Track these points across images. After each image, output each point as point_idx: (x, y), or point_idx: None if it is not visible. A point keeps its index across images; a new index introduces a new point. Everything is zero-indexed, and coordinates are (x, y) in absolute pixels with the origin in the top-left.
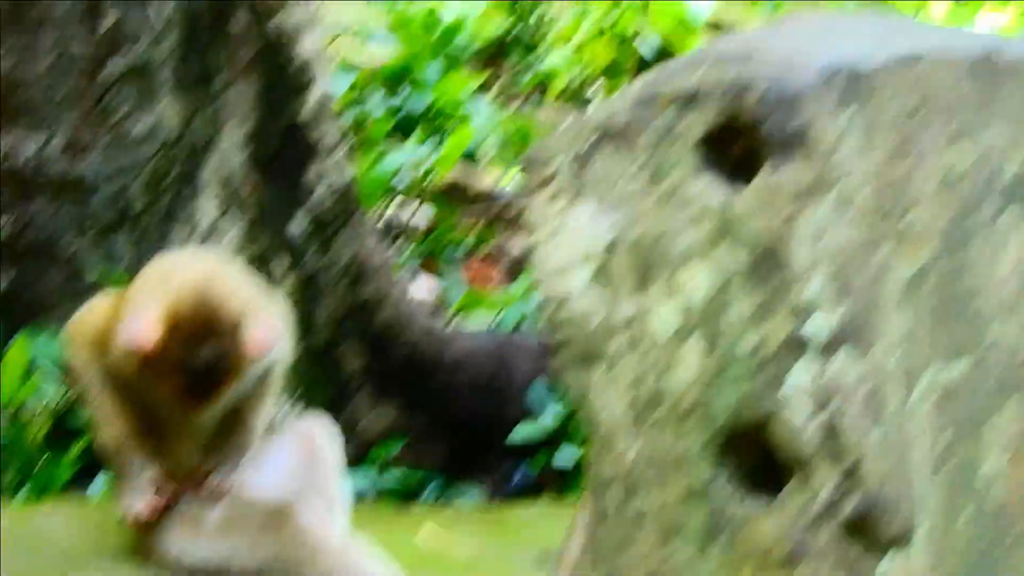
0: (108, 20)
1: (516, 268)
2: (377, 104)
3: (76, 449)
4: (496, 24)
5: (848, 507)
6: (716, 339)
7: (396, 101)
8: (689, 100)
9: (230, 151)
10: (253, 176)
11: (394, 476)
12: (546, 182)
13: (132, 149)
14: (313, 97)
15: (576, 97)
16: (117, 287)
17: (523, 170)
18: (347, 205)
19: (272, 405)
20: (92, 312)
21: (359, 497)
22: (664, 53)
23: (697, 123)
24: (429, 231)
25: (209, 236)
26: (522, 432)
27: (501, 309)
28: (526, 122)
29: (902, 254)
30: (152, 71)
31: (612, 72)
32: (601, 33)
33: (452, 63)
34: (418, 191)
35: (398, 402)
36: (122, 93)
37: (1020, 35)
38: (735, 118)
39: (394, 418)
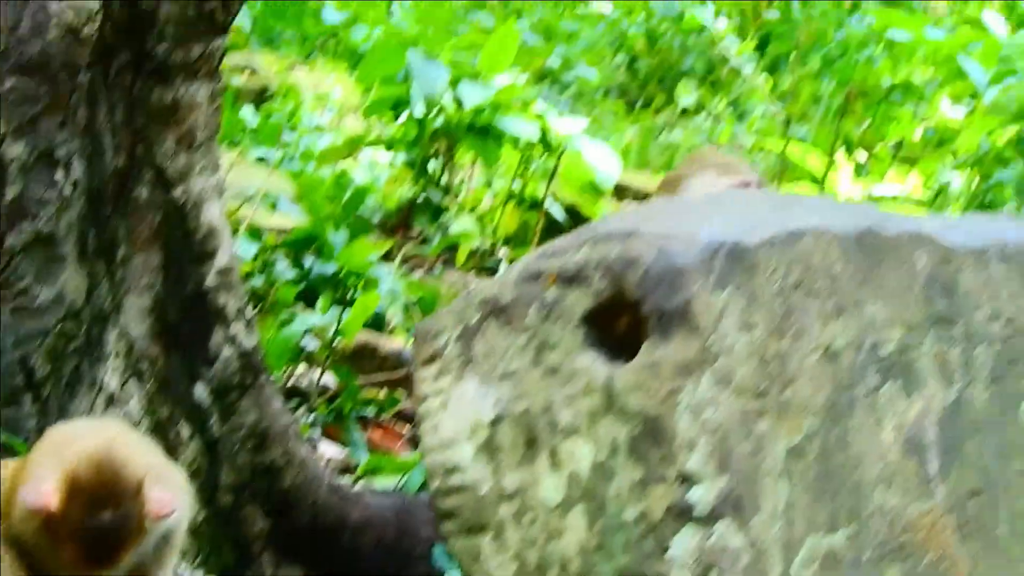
0: (13, 190)
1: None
2: (284, 270)
3: None
4: (403, 190)
5: None
6: (601, 509)
7: (304, 266)
8: (573, 278)
9: (133, 319)
10: (157, 344)
11: None
12: (434, 356)
13: (35, 318)
14: (218, 264)
15: (483, 263)
16: (20, 455)
17: (412, 344)
18: (251, 371)
19: (174, 569)
20: None
21: None
22: (574, 217)
23: (581, 300)
24: (335, 395)
25: (112, 404)
26: None
27: (406, 472)
28: (432, 289)
29: (782, 427)
30: (56, 240)
31: (519, 238)
32: (510, 198)
33: (358, 229)
34: (324, 355)
35: (302, 564)
36: (26, 262)
37: (900, 212)
38: (618, 295)
39: None
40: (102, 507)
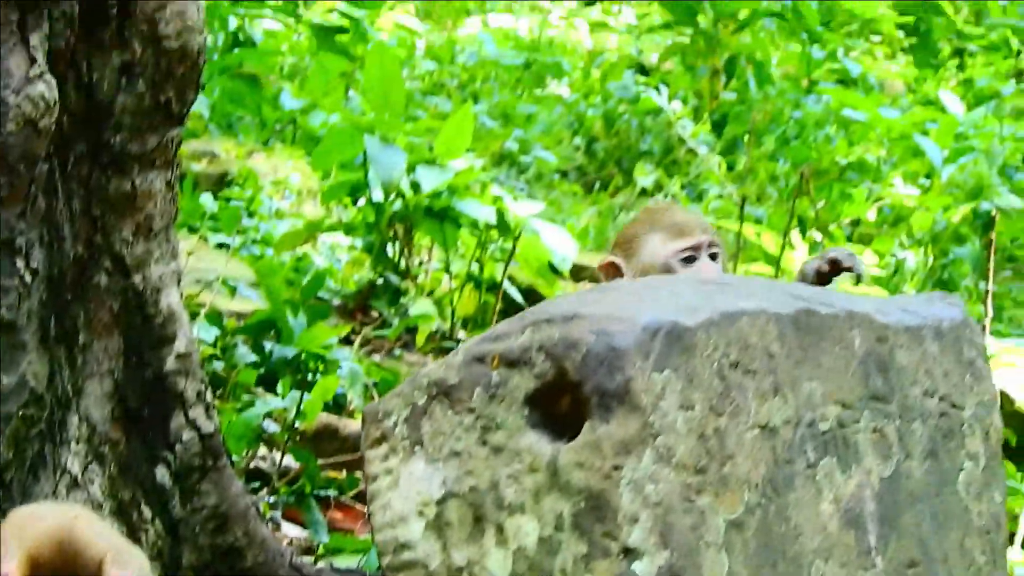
0: None
1: None
2: (244, 354)
3: None
4: (362, 274)
5: None
6: None
7: (264, 350)
8: (517, 360)
9: (94, 404)
10: (118, 428)
11: None
12: (383, 437)
13: None
14: (177, 349)
15: (442, 345)
16: None
17: (362, 425)
18: (212, 453)
19: None
20: None
21: None
22: (532, 298)
23: (524, 382)
24: (296, 477)
25: (75, 487)
26: None
27: (367, 551)
28: (391, 371)
29: (722, 501)
30: (18, 327)
31: (478, 320)
32: (468, 280)
33: (318, 313)
34: (284, 438)
35: None
36: None
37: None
38: (560, 376)
39: None
40: None
